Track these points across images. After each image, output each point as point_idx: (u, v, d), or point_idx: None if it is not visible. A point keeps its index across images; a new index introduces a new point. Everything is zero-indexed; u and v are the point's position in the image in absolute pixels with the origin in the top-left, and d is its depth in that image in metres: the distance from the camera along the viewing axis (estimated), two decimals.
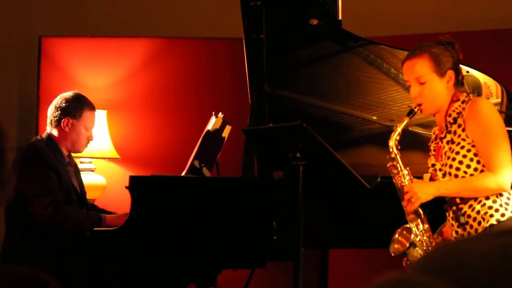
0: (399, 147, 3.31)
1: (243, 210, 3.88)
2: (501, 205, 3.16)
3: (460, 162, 3.20)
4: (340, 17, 4.25)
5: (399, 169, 3.28)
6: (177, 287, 3.98)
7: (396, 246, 3.26)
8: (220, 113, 4.28)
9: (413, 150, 4.27)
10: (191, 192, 3.91)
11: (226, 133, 4.34)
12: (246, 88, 4.24)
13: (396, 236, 3.27)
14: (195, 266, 3.91)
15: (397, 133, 3.29)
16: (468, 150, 3.19)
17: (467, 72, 4.17)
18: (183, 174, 4.21)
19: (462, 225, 3.22)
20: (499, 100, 4.22)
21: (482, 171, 3.19)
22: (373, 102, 4.33)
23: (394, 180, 3.30)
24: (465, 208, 3.22)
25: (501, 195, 3.19)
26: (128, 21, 5.96)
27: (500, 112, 4.20)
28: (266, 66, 4.18)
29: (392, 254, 3.26)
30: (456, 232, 3.25)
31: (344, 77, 4.36)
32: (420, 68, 3.24)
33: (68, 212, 3.96)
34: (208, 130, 4.23)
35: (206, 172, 4.27)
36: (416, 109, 3.27)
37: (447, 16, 5.43)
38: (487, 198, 3.19)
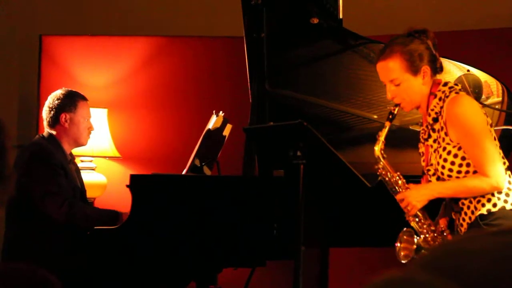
0: (384, 156, 3.27)
1: (243, 208, 3.88)
2: (493, 195, 3.15)
3: (450, 170, 3.17)
4: (341, 16, 4.25)
5: (389, 176, 3.26)
6: (178, 285, 3.98)
7: (403, 253, 3.22)
8: (221, 112, 4.28)
9: (413, 149, 4.27)
10: (191, 191, 3.91)
11: (226, 131, 4.34)
12: (247, 87, 4.23)
13: (399, 244, 3.23)
14: (196, 264, 3.91)
15: (381, 142, 3.25)
16: (455, 156, 3.16)
17: (468, 71, 4.17)
18: (183, 172, 4.21)
19: (457, 212, 3.23)
20: (500, 99, 4.22)
21: (475, 171, 3.16)
22: (374, 101, 4.33)
23: (387, 187, 3.28)
24: None
25: None
26: (129, 20, 5.95)
27: (501, 110, 4.21)
28: (267, 65, 4.18)
29: (403, 262, 3.20)
30: (453, 219, 3.26)
31: (344, 76, 4.36)
32: (392, 71, 3.18)
33: (85, 208, 3.98)
34: (209, 129, 4.24)
35: (206, 170, 4.27)
36: (395, 111, 3.24)
37: (448, 14, 5.42)
38: None
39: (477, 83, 4.20)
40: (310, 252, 3.90)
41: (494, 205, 3.15)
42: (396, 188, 3.25)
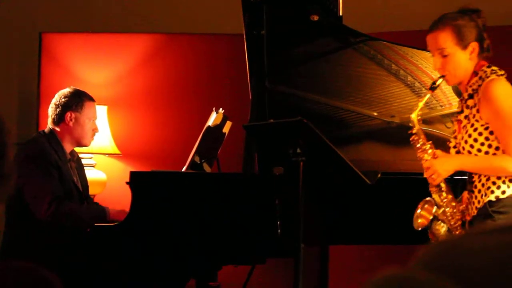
0: (421, 121, 3.34)
1: (243, 206, 3.88)
2: (504, 182, 3.21)
3: (471, 146, 3.24)
4: (341, 13, 4.25)
5: (421, 143, 3.32)
6: (178, 282, 3.98)
7: (419, 221, 3.29)
8: (221, 109, 4.28)
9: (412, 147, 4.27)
10: (191, 188, 3.91)
11: (226, 129, 4.34)
12: (247, 84, 4.23)
13: (418, 211, 3.30)
14: (196, 261, 3.91)
15: (419, 107, 3.33)
16: (480, 134, 3.23)
17: None
18: (183, 169, 4.21)
19: (470, 192, 3.28)
20: None
21: (494, 154, 3.22)
22: (374, 98, 4.33)
23: (417, 153, 3.34)
24: (475, 177, 3.27)
25: None
26: (129, 17, 5.95)
27: None
28: (267, 62, 4.18)
29: (417, 229, 3.28)
30: (468, 198, 3.31)
31: (344, 73, 4.36)
32: (442, 41, 3.26)
33: (70, 208, 3.97)
34: (209, 126, 4.23)
35: (206, 167, 4.27)
36: (438, 82, 3.30)
37: (448, 11, 5.41)
38: None
39: None
40: (310, 250, 3.90)
41: (503, 192, 3.20)
42: (425, 155, 3.30)
